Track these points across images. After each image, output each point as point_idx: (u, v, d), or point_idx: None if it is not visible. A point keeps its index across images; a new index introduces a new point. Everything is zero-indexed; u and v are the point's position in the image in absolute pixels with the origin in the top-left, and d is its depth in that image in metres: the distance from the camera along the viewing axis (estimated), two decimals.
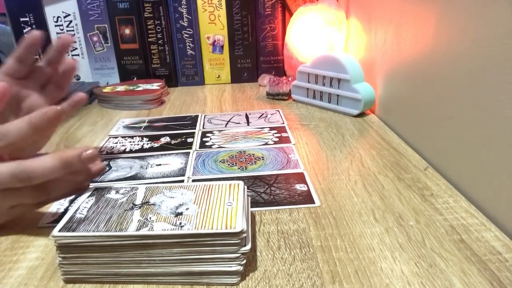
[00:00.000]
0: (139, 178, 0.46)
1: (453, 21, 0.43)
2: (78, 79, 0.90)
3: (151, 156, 0.52)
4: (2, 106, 0.34)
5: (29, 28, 0.84)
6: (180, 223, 0.29)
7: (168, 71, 0.90)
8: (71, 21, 0.85)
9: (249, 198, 0.38)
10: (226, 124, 0.64)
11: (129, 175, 0.47)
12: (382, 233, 0.35)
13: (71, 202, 0.41)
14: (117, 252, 0.29)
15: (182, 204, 0.32)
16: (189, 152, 0.53)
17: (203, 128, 0.62)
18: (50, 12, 0.84)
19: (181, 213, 0.31)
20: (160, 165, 0.50)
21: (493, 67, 0.37)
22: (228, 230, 0.28)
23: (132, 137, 0.60)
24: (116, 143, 0.57)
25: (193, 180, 0.45)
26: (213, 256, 0.29)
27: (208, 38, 0.88)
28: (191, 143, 0.56)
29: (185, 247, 0.29)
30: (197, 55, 0.89)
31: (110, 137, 0.60)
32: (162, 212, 0.31)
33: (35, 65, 0.42)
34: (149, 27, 0.86)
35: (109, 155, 0.53)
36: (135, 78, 0.89)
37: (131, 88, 0.80)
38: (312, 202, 0.40)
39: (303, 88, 0.72)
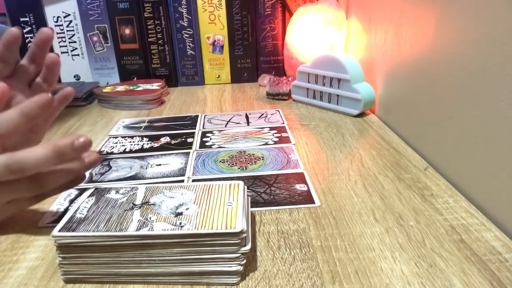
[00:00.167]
0: (139, 178, 0.46)
1: (453, 21, 0.43)
2: (78, 79, 0.90)
3: (151, 156, 0.52)
4: (1, 107, 0.33)
5: (29, 28, 0.84)
6: (180, 223, 0.29)
7: (168, 71, 0.90)
8: (71, 21, 0.85)
9: (249, 198, 0.38)
10: (226, 124, 0.64)
11: (129, 175, 0.47)
12: (382, 233, 0.35)
13: (71, 202, 0.41)
14: (117, 252, 0.29)
15: (182, 204, 0.32)
16: (189, 152, 0.53)
17: (203, 128, 0.62)
18: (50, 12, 0.84)
19: (181, 213, 0.31)
20: (160, 165, 0.50)
21: (493, 67, 0.37)
22: (228, 230, 0.28)
23: (132, 137, 0.60)
24: (116, 143, 0.58)
25: (193, 180, 0.45)
26: (213, 256, 0.29)
27: (208, 38, 0.88)
28: (191, 143, 0.56)
29: (185, 247, 0.29)
30: (197, 55, 0.89)
31: (110, 137, 0.60)
32: (162, 212, 0.31)
33: (18, 64, 0.40)
34: (149, 27, 0.86)
35: (109, 155, 0.53)
36: (135, 78, 0.89)
37: (131, 88, 0.80)
38: (312, 202, 0.40)
39: (303, 88, 0.72)
